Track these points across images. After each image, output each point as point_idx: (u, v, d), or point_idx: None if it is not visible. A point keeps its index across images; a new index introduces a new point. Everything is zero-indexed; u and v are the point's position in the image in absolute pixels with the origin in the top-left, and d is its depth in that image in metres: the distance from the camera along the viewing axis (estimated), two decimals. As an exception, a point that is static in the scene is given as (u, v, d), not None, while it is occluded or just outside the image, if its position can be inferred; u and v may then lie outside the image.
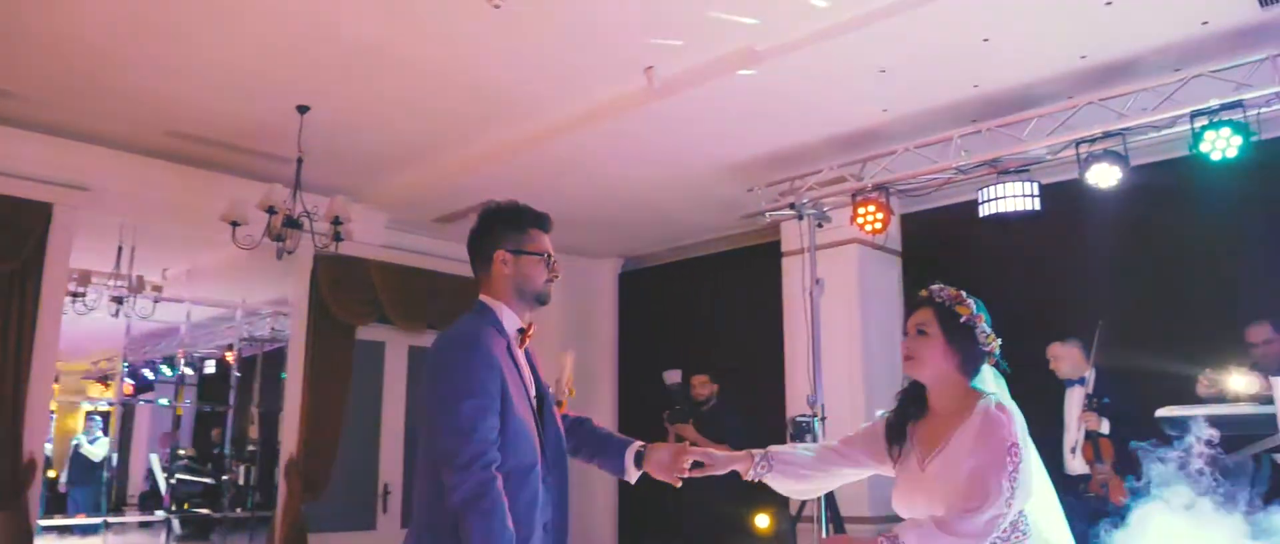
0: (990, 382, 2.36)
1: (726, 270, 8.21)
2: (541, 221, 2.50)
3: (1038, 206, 5.21)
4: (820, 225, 6.13)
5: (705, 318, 8.31)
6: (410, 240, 7.95)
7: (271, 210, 5.50)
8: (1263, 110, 4.47)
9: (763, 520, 5.46)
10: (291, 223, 5.64)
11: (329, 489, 7.19)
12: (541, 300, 2.46)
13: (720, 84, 5.32)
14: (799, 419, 5.70)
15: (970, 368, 2.35)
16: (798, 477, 2.52)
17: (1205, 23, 4.55)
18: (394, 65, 5.18)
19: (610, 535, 8.59)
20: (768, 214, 6.40)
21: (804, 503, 5.63)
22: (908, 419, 2.42)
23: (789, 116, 5.77)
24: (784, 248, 7.15)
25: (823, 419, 5.66)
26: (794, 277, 6.96)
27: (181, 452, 10.71)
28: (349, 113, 5.80)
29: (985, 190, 5.36)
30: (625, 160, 6.46)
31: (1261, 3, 4.36)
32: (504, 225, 2.46)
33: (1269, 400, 4.16)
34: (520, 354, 2.39)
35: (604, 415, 8.78)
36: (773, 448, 2.55)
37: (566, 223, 7.60)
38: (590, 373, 8.74)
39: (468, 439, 2.10)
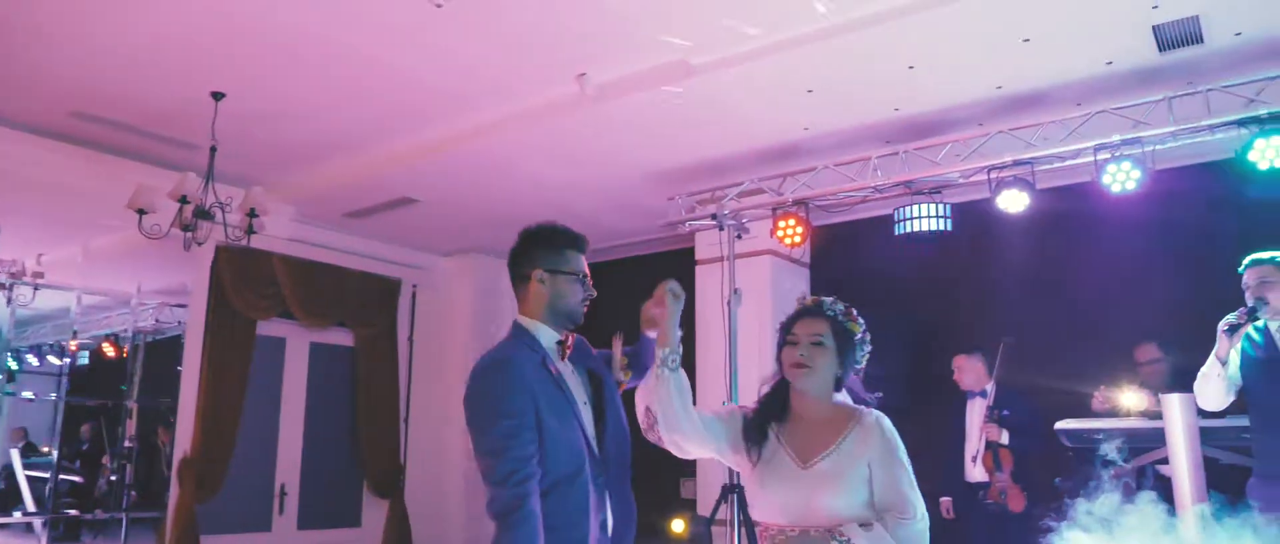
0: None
1: (638, 276, 8.25)
2: (577, 243, 2.63)
3: (949, 227, 5.48)
4: (739, 236, 6.28)
5: (616, 323, 8.35)
6: (319, 235, 7.72)
7: (183, 200, 5.26)
8: (1158, 147, 4.82)
9: (678, 525, 5.55)
10: (202, 213, 5.41)
11: (224, 489, 6.92)
12: (574, 319, 2.59)
13: (651, 94, 5.38)
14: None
15: (842, 381, 2.53)
16: (682, 404, 2.47)
17: (1109, 63, 4.88)
18: (321, 56, 5.02)
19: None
20: (687, 223, 6.51)
21: (717, 506, 5.76)
22: (769, 420, 2.52)
23: (715, 129, 5.88)
24: (698, 256, 7.27)
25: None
26: (707, 285, 7.09)
27: (45, 449, 10.07)
28: (268, 102, 5.59)
29: (900, 210, 5.60)
30: (550, 163, 6.45)
31: (1160, 48, 4.72)
32: (540, 246, 2.58)
33: (1158, 415, 4.49)
34: (561, 366, 2.52)
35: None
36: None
37: (484, 222, 7.67)
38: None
39: (500, 458, 2.25)
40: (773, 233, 5.98)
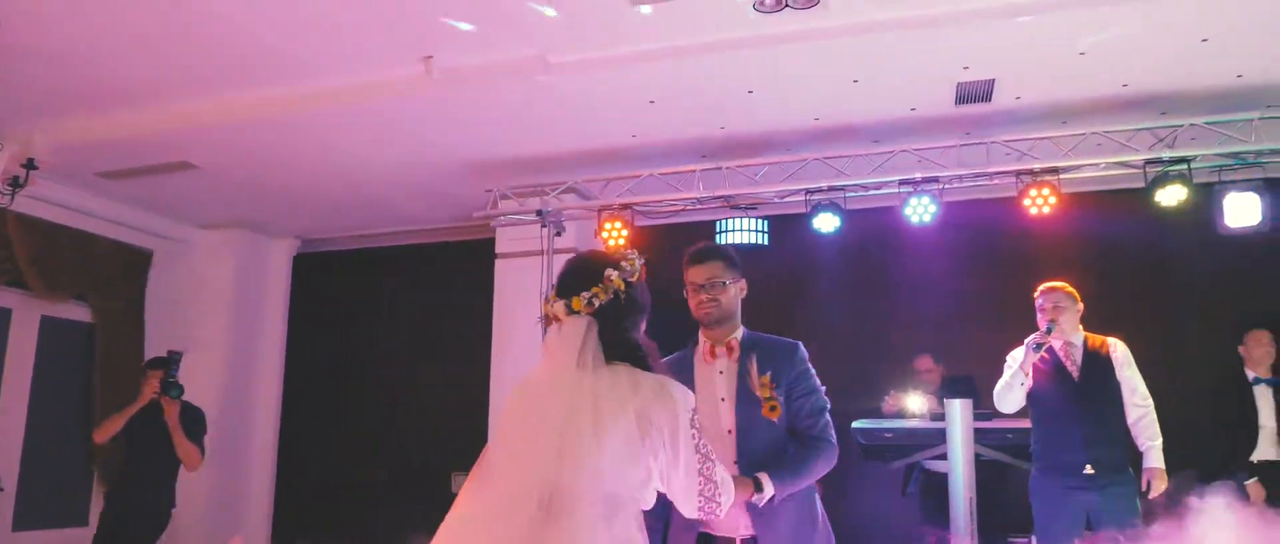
0: None
1: (433, 264, 8.08)
2: (688, 256, 2.92)
3: (766, 241, 5.94)
4: (559, 234, 6.37)
5: (404, 307, 8.10)
6: (63, 193, 6.73)
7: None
8: (949, 184, 5.57)
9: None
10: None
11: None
12: (700, 324, 2.88)
13: (492, 85, 5.33)
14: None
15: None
16: None
17: (913, 109, 5.56)
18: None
19: (264, 532, 7.98)
20: (504, 216, 6.49)
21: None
22: None
23: (546, 126, 5.91)
24: (499, 250, 7.23)
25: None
26: (508, 279, 7.10)
27: None
28: (42, 37, 4.82)
29: (722, 222, 5.99)
30: (364, 142, 6.14)
31: (956, 101, 5.47)
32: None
33: (940, 417, 5.19)
34: (707, 366, 2.82)
35: (266, 415, 8.14)
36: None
37: (261, 194, 7.09)
38: (251, 367, 8.06)
39: None
40: (597, 233, 6.13)
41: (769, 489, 2.54)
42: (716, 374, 2.78)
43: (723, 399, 2.72)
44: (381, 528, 7.78)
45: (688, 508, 2.07)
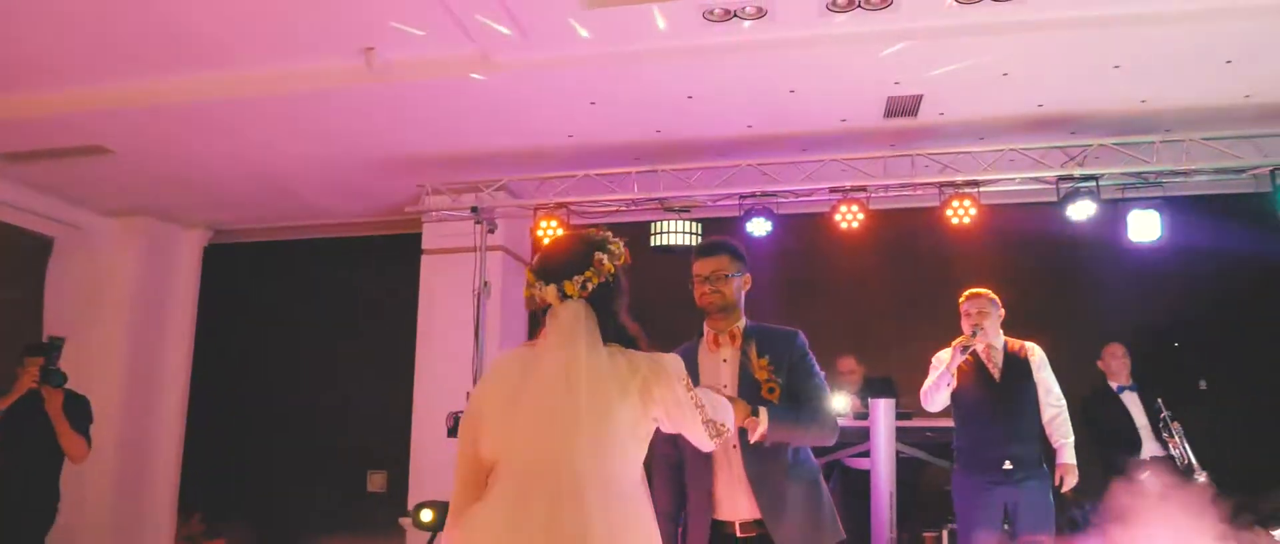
0: None
1: (348, 259, 7.93)
2: (694, 250, 3.04)
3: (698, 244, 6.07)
4: (492, 231, 6.37)
5: (319, 307, 7.92)
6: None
7: None
8: (876, 193, 5.81)
9: (427, 515, 5.47)
10: None
11: None
12: (705, 314, 2.96)
13: (433, 81, 5.30)
14: (459, 415, 5.87)
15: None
16: None
17: (844, 120, 5.78)
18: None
19: (169, 531, 7.69)
20: (436, 212, 6.44)
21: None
22: None
23: (482, 122, 5.89)
24: (425, 246, 7.17)
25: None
26: (435, 275, 7.05)
27: None
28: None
29: (656, 224, 6.09)
30: (291, 134, 6.00)
31: (884, 114, 5.71)
32: None
33: (862, 416, 5.42)
34: (712, 355, 2.91)
35: (171, 409, 7.85)
36: None
37: (175, 182, 6.85)
38: (156, 359, 7.76)
39: None
40: (532, 230, 6.16)
41: (763, 425, 2.64)
42: (720, 363, 2.88)
43: (726, 386, 2.80)
44: (293, 525, 7.60)
45: (704, 446, 2.21)
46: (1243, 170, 5.53)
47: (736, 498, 2.79)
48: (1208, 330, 6.37)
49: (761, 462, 2.78)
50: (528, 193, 6.42)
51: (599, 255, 2.16)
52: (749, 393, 2.75)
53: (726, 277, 2.88)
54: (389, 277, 7.49)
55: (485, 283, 6.24)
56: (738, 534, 2.81)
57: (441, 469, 6.29)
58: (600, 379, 2.02)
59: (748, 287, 2.97)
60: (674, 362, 2.13)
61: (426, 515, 5.51)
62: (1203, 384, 6.28)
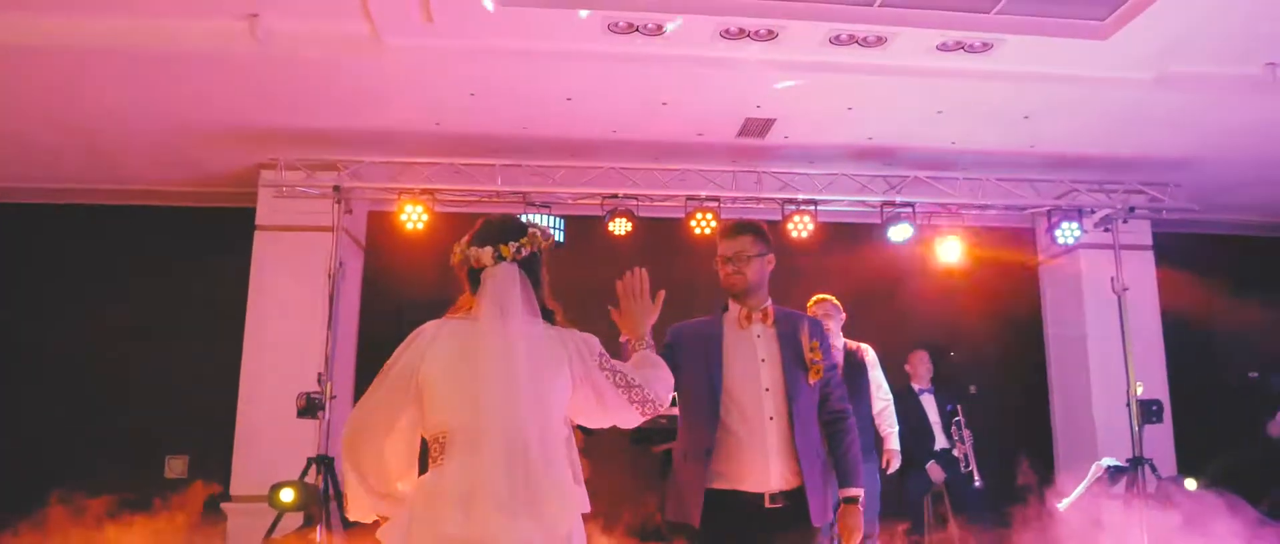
0: None
1: (165, 231, 7.40)
2: (719, 232, 3.24)
3: (561, 240, 6.32)
4: (350, 211, 6.28)
5: (124, 277, 7.33)
6: None
7: None
8: (727, 204, 6.35)
9: (287, 494, 5.28)
10: None
11: None
12: (728, 294, 3.13)
13: (312, 55, 5.21)
14: (312, 396, 5.78)
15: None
16: None
17: (700, 135, 6.28)
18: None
19: None
20: (287, 188, 6.26)
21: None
22: None
23: (347, 101, 5.80)
24: (259, 222, 6.87)
25: (332, 397, 5.86)
26: (268, 251, 6.79)
27: None
28: None
29: (520, 217, 6.27)
30: (132, 99, 5.65)
31: (737, 134, 6.26)
32: None
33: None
34: (741, 331, 3.07)
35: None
36: None
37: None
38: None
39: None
40: (397, 213, 6.15)
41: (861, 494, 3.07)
42: (754, 338, 3.05)
43: (764, 360, 3.00)
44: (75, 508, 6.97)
45: (630, 420, 2.34)
46: (1024, 208, 6.61)
47: (769, 469, 2.87)
48: (976, 342, 7.49)
49: (806, 432, 2.96)
50: (382, 176, 6.37)
51: (533, 229, 2.37)
52: (790, 369, 2.99)
53: (749, 258, 3.06)
54: (218, 251, 7.08)
55: (341, 263, 6.16)
56: (767, 505, 2.88)
57: (271, 451, 6.11)
58: (537, 349, 2.21)
59: (771, 267, 3.14)
60: (589, 339, 2.33)
61: (287, 495, 5.36)
62: (973, 388, 7.33)
